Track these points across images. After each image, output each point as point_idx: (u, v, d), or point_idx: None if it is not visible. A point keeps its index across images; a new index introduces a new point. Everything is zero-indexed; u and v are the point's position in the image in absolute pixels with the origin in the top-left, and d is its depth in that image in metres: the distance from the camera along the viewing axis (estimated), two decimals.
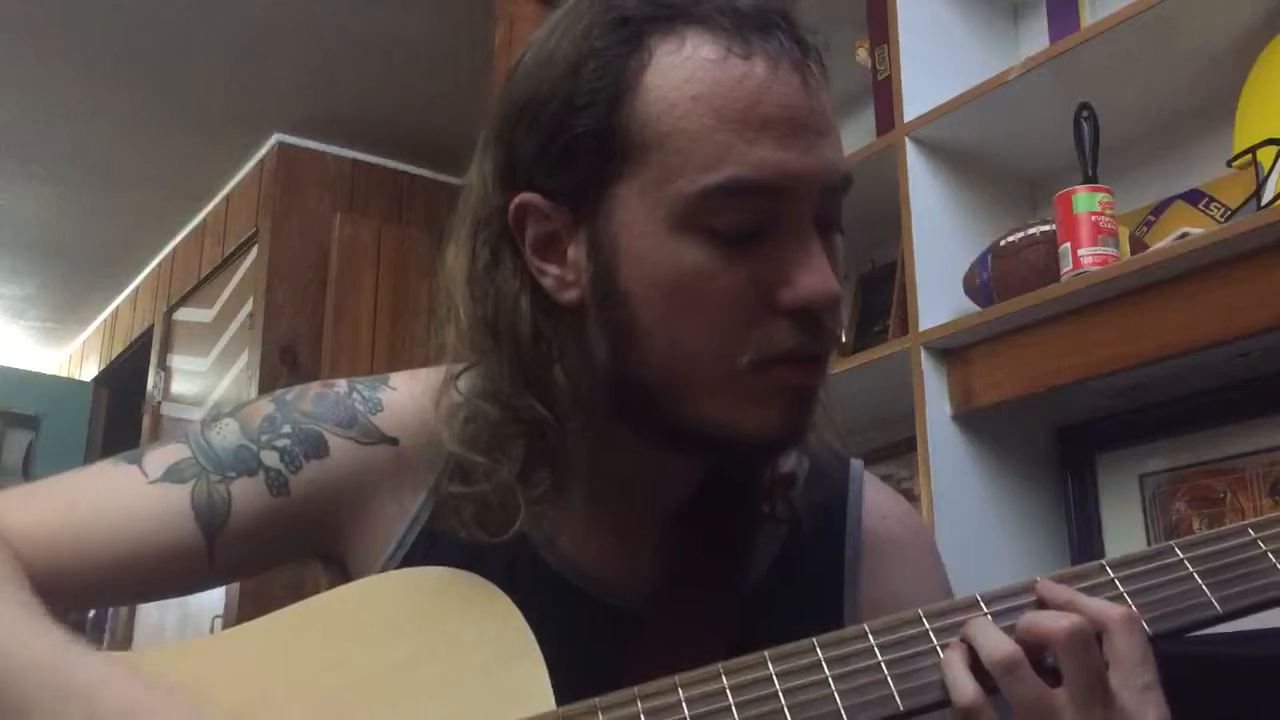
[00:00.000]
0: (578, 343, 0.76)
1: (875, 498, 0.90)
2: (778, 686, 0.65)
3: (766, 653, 0.67)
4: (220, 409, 0.85)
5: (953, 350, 1.69)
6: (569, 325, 0.76)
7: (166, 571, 0.77)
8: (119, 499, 0.77)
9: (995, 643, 0.64)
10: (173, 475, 0.78)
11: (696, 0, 0.73)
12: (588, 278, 0.74)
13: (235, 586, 3.16)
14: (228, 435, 0.80)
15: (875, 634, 0.67)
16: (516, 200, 0.75)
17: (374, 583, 0.76)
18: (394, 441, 0.81)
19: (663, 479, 0.81)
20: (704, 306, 0.71)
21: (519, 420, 0.76)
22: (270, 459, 0.79)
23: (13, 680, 0.64)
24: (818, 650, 0.67)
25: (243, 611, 3.07)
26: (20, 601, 0.69)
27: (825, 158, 0.73)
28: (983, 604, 0.68)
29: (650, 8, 0.73)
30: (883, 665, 0.66)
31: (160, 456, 0.79)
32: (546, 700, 0.68)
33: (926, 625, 0.67)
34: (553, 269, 0.76)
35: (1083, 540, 1.75)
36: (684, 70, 0.71)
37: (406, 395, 0.83)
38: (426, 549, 0.79)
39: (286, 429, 0.80)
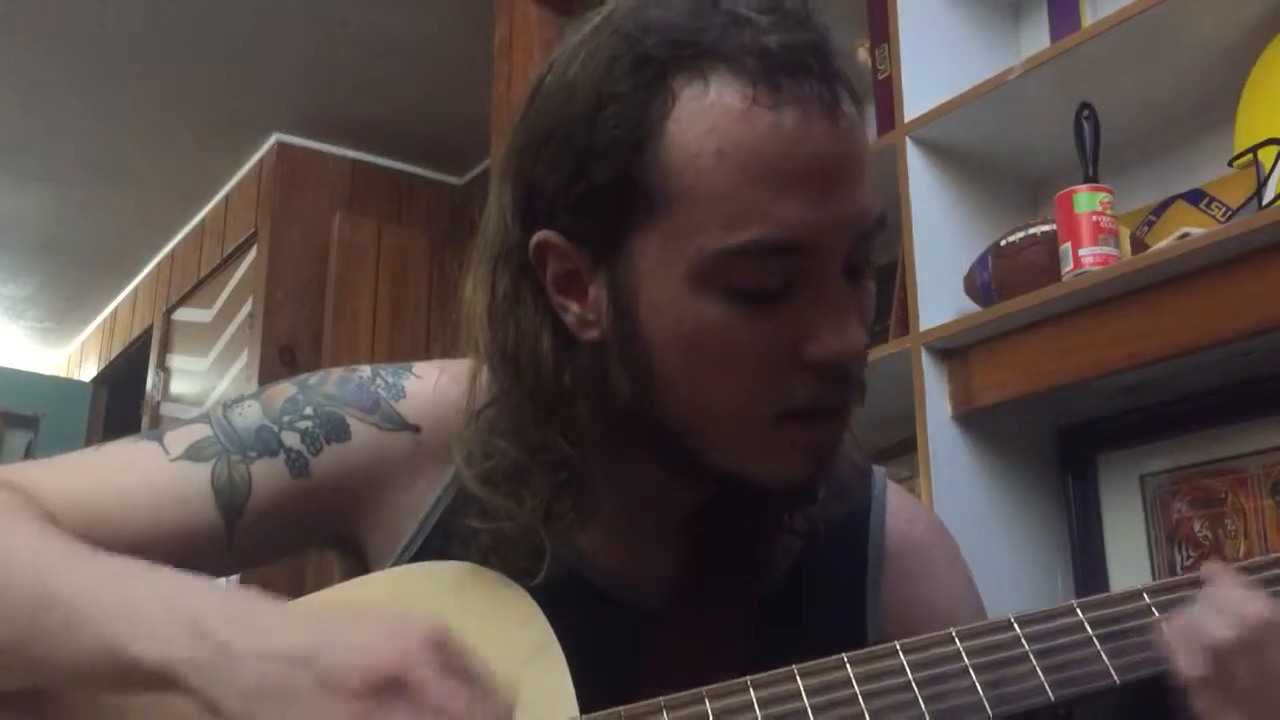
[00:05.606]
0: (600, 378, 0.75)
1: (899, 504, 0.90)
2: (806, 702, 0.65)
3: (795, 667, 0.66)
4: (242, 391, 0.84)
5: (953, 350, 1.69)
6: (591, 361, 0.75)
7: (184, 551, 0.75)
8: (138, 476, 0.76)
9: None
10: (194, 453, 0.77)
11: (722, 36, 0.69)
12: (608, 321, 0.73)
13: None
14: (249, 416, 0.80)
15: (906, 652, 0.67)
16: (537, 238, 0.74)
17: (395, 575, 0.76)
18: (416, 429, 0.81)
19: (682, 494, 0.80)
20: (725, 361, 0.70)
21: (541, 456, 0.75)
22: (291, 440, 0.79)
23: (104, 610, 0.62)
24: (847, 667, 0.66)
25: None
26: (70, 540, 0.68)
27: (856, 206, 0.70)
28: (1016, 626, 0.68)
29: (674, 46, 0.69)
30: (913, 684, 0.65)
31: (182, 435, 0.79)
32: (569, 702, 0.68)
33: (959, 645, 0.67)
34: (574, 306, 0.74)
35: (1083, 541, 1.75)
36: (707, 120, 0.68)
37: (430, 384, 0.82)
38: (444, 542, 0.78)
39: (308, 411, 0.80)
